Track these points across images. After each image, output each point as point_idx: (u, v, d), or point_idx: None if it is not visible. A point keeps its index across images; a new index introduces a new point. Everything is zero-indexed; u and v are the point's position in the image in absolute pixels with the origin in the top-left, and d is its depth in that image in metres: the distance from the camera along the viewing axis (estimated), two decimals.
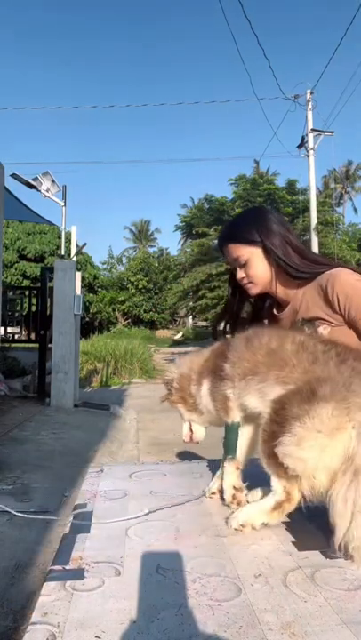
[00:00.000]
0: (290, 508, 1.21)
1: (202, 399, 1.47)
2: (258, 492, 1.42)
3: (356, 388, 1.13)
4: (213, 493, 1.50)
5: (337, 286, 1.45)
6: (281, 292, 1.61)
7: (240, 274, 1.59)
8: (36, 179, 8.18)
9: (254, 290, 1.61)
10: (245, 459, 1.46)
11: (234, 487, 1.39)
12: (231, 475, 1.41)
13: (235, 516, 1.26)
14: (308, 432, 1.09)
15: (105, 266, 35.37)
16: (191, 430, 1.59)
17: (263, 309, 1.71)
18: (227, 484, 1.41)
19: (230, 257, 1.61)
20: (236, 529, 1.24)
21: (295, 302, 1.57)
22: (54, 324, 7.15)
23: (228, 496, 1.40)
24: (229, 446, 1.42)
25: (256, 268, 1.57)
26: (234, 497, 1.39)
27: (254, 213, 1.67)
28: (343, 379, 1.15)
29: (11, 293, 10.52)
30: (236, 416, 1.38)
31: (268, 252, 1.55)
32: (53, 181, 8.34)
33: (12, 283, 21.85)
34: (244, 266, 1.58)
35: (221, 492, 1.45)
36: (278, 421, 1.16)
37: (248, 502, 1.37)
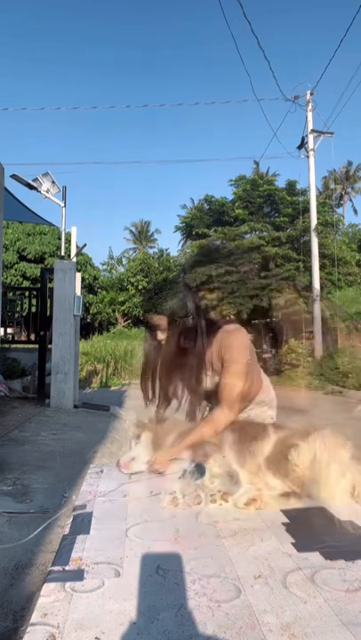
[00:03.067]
0: None
1: None
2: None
3: None
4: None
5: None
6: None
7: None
8: (35, 179, 8.17)
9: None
10: None
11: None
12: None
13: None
14: None
15: (105, 267, 35.26)
16: None
17: None
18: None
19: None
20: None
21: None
22: (54, 324, 7.14)
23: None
24: None
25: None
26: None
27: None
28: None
29: (11, 294, 10.53)
30: None
31: None
32: (53, 182, 8.34)
33: (12, 283, 21.86)
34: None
35: None
36: None
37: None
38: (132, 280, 32.33)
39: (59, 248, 14.57)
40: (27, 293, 10.29)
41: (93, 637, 0.84)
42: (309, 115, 14.96)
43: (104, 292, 30.54)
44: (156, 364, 1.90)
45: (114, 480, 1.75)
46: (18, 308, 10.22)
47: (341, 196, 40.08)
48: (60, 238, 12.11)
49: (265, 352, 14.05)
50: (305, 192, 17.42)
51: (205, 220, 20.40)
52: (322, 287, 15.43)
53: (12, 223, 23.17)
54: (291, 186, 19.10)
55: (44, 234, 25.07)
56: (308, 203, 15.72)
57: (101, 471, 1.89)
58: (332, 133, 15.06)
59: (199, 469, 1.58)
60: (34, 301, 9.21)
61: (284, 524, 1.32)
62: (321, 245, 15.77)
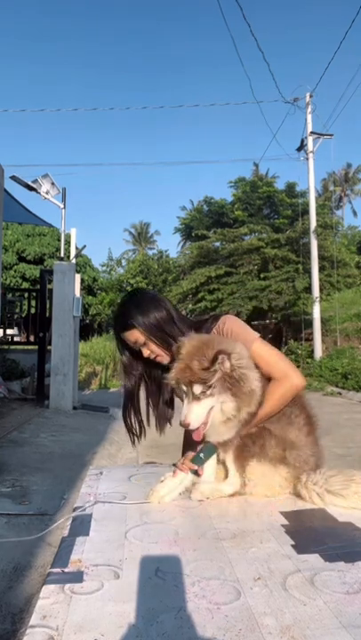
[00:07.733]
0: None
1: None
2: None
3: None
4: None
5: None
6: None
7: (145, 352, 1.72)
8: (35, 181, 8.19)
9: (166, 360, 1.71)
10: None
11: None
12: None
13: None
14: None
15: (104, 268, 35.34)
16: None
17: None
18: None
19: (130, 341, 1.75)
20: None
21: None
22: (53, 326, 7.15)
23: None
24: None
25: (153, 345, 1.71)
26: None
27: (136, 299, 1.80)
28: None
29: (10, 295, 10.55)
30: None
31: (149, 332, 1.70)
32: (53, 184, 8.35)
33: (12, 285, 21.86)
34: (144, 345, 1.71)
35: None
36: None
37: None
38: (132, 281, 32.40)
39: (58, 249, 14.59)
40: (26, 295, 10.32)
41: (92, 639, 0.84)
42: (309, 117, 15.00)
43: (103, 294, 30.59)
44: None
45: (113, 482, 1.75)
46: (17, 310, 10.23)
47: (341, 198, 40.13)
48: (59, 240, 12.11)
49: None
50: (304, 194, 17.45)
51: (205, 221, 20.43)
52: (321, 289, 15.44)
53: (11, 224, 23.16)
54: (290, 188, 19.13)
55: (44, 235, 25.08)
56: (307, 205, 15.74)
57: (101, 473, 1.88)
58: (331, 135, 15.10)
59: (209, 449, 1.53)
60: (33, 303, 9.22)
61: (283, 525, 1.32)
62: (320, 247, 15.78)
